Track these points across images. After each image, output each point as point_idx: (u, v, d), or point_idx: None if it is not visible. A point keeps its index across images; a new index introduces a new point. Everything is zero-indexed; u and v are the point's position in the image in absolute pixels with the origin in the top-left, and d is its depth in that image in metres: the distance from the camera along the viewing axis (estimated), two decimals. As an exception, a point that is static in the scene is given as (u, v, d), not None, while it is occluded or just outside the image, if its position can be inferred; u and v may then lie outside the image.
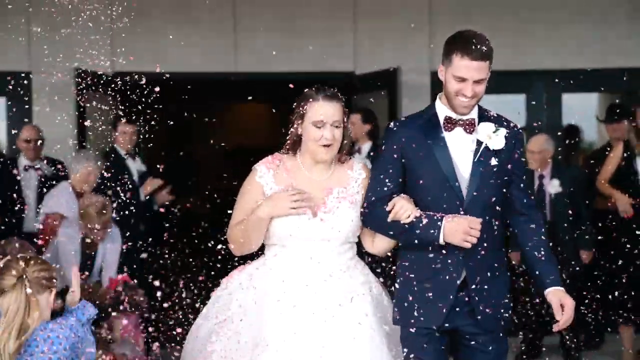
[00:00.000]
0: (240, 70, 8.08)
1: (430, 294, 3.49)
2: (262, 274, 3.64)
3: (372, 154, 6.90)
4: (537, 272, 3.53)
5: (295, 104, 3.67)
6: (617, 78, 7.94)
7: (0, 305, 3.45)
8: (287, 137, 3.71)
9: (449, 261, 3.49)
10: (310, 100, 3.63)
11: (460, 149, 3.53)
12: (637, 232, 6.29)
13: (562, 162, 7.20)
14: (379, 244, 3.70)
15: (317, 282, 3.56)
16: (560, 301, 3.46)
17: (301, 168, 3.68)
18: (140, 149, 7.67)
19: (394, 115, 7.78)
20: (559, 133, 7.71)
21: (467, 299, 3.50)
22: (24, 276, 3.47)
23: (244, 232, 3.62)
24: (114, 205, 6.27)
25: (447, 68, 3.47)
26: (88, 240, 6.00)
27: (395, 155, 3.55)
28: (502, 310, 3.55)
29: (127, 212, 6.39)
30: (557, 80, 7.89)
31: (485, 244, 3.48)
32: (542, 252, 3.54)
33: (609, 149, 6.90)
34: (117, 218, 6.32)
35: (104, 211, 5.94)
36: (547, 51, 7.83)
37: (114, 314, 5.76)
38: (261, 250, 3.72)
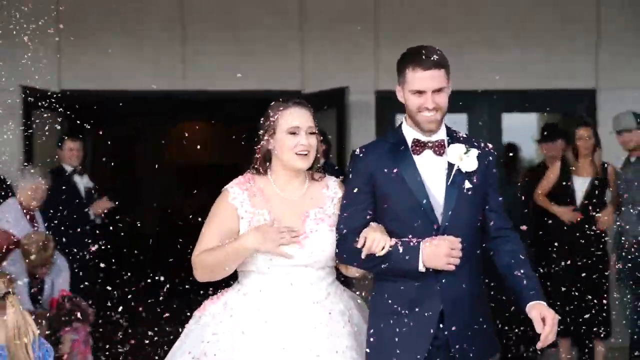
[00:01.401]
0: (188, 88, 8.12)
1: (407, 330, 3.31)
2: (239, 303, 3.46)
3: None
4: (517, 289, 3.34)
5: (262, 118, 3.53)
6: (558, 99, 8.19)
7: (8, 323, 3.48)
8: (256, 154, 3.56)
9: (426, 291, 3.31)
10: (281, 108, 3.50)
11: (432, 173, 3.39)
12: (577, 245, 6.49)
13: (503, 180, 7.36)
14: (352, 270, 3.54)
15: (298, 320, 3.38)
16: (541, 314, 3.26)
17: (274, 187, 3.52)
18: (86, 165, 7.68)
19: (343, 134, 7.89)
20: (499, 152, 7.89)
21: (445, 332, 3.31)
22: (11, 291, 3.51)
23: (221, 260, 3.40)
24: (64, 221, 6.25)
25: (404, 86, 3.39)
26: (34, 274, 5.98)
27: (364, 183, 3.40)
28: (484, 344, 3.40)
29: (75, 230, 6.38)
30: (497, 99, 8.11)
31: (463, 272, 3.31)
32: (522, 270, 3.36)
33: (545, 167, 7.13)
34: (65, 242, 6.31)
35: (46, 248, 5.92)
36: (488, 71, 8.00)
37: (67, 328, 5.76)
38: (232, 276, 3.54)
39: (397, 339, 3.31)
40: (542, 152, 7.39)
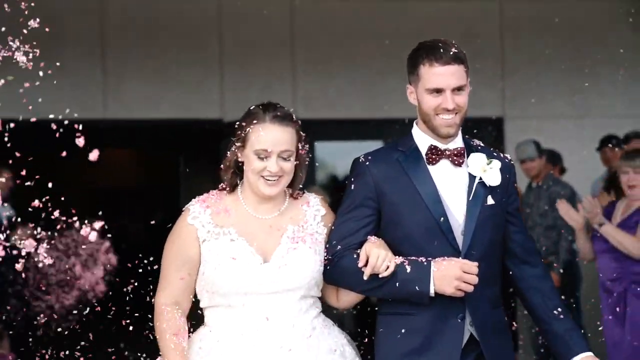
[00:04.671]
0: (109, 117, 8.03)
1: None
2: (206, 352, 2.86)
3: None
4: (557, 334, 2.89)
5: (238, 122, 2.90)
6: (467, 126, 8.37)
7: None
8: (223, 165, 2.95)
9: (447, 323, 2.82)
10: (255, 121, 2.84)
11: (450, 186, 2.88)
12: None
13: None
14: (346, 298, 3.00)
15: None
16: None
17: (244, 207, 2.90)
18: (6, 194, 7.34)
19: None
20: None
21: None
22: None
23: (160, 347, 2.87)
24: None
25: (417, 84, 2.89)
26: None
27: (367, 196, 2.88)
28: None
29: None
30: (409, 125, 8.33)
31: (486, 299, 2.86)
32: (559, 309, 2.90)
33: None
34: None
35: None
36: (400, 100, 8.49)
37: None
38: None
39: None
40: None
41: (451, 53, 2.90)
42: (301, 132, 2.97)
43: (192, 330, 2.99)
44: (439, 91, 2.89)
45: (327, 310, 3.11)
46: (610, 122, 7.83)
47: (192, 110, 7.89)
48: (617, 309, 5.21)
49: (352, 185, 2.95)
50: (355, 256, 2.85)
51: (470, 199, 2.89)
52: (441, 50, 2.90)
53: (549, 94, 8.40)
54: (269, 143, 2.85)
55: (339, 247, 2.89)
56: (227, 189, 2.97)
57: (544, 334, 2.99)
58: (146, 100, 7.64)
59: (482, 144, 3.05)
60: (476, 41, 7.74)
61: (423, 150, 2.95)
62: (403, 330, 2.88)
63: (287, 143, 2.88)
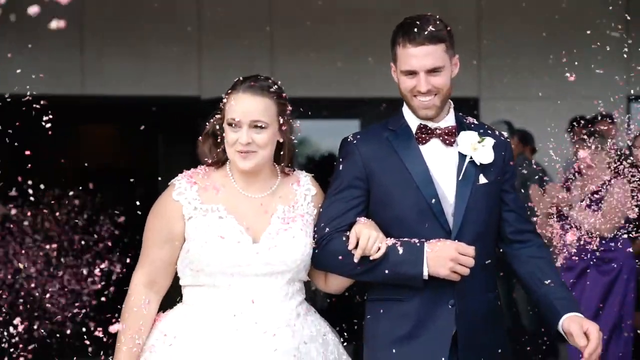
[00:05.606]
0: (88, 93, 8.00)
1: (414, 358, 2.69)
2: (184, 330, 2.76)
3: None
4: (546, 301, 2.75)
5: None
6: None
7: None
8: (202, 136, 2.89)
9: (436, 309, 2.72)
10: (230, 91, 2.81)
11: (440, 166, 2.80)
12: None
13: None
14: (335, 282, 2.91)
15: (259, 350, 2.70)
16: (582, 327, 2.65)
17: (233, 184, 2.82)
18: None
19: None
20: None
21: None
22: None
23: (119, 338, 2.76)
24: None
25: (396, 65, 2.83)
26: None
27: (356, 177, 2.80)
28: None
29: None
30: (386, 107, 8.35)
31: (479, 284, 2.76)
32: (550, 279, 2.77)
33: None
34: None
35: None
36: (377, 79, 8.55)
37: None
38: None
39: None
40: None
41: (426, 32, 2.77)
42: (286, 106, 2.86)
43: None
44: (412, 73, 2.80)
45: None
46: (584, 105, 7.92)
47: (170, 88, 7.89)
48: (577, 287, 5.39)
49: (341, 166, 2.85)
50: (344, 238, 2.75)
51: (460, 178, 2.80)
52: (415, 30, 2.77)
53: (524, 76, 8.51)
54: (238, 112, 2.77)
55: (327, 229, 2.78)
56: (215, 164, 2.87)
57: (537, 305, 2.87)
58: (124, 77, 7.63)
59: (476, 121, 2.94)
60: (453, 23, 7.69)
61: (414, 129, 2.87)
62: (392, 317, 2.78)
63: (258, 113, 2.77)
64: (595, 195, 5.27)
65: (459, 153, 2.83)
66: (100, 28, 8.25)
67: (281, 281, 2.79)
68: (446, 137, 2.84)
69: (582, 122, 6.83)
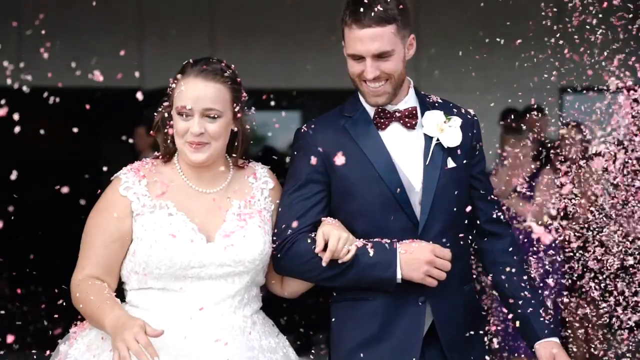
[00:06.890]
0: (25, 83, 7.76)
1: None
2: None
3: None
4: (522, 316, 2.66)
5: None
6: None
7: None
8: (152, 128, 2.70)
9: (406, 308, 2.56)
10: (180, 76, 2.60)
11: (404, 152, 2.63)
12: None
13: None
14: (293, 285, 2.74)
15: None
16: (551, 355, 2.60)
17: (182, 179, 2.64)
18: None
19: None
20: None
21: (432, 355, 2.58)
22: None
23: (87, 315, 2.56)
24: None
25: (344, 48, 2.65)
26: None
27: (314, 169, 2.61)
28: None
29: None
30: (330, 99, 8.52)
31: (451, 277, 2.57)
32: (524, 285, 2.66)
33: None
34: None
35: None
36: (319, 70, 8.59)
37: None
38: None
39: None
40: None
41: (374, 13, 2.53)
42: (240, 92, 2.65)
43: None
44: (358, 58, 2.60)
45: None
46: (521, 96, 8.07)
47: (110, 79, 7.77)
48: None
49: (296, 160, 2.64)
50: (309, 240, 2.55)
51: (427, 163, 2.60)
52: (362, 10, 2.54)
53: (462, 67, 8.60)
54: (189, 99, 2.55)
55: (290, 231, 2.57)
56: (163, 157, 2.65)
57: (510, 312, 2.71)
58: (62, 68, 7.52)
59: (440, 99, 2.73)
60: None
61: (371, 113, 2.67)
62: (358, 317, 2.60)
63: (212, 101, 2.55)
64: (525, 186, 5.30)
65: (425, 135, 2.64)
66: (38, 18, 8.11)
67: (238, 285, 2.58)
68: (407, 119, 2.64)
69: (512, 115, 6.98)
